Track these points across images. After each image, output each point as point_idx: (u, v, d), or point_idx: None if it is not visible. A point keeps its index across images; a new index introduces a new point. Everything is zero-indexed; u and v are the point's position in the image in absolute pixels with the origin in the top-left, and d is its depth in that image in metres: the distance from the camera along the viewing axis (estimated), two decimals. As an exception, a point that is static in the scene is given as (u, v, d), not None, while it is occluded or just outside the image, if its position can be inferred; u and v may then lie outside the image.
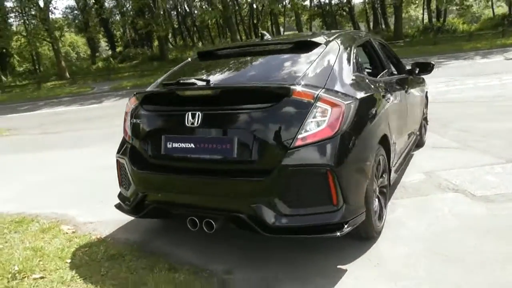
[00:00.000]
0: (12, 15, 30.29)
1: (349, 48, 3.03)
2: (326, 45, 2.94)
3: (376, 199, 2.92)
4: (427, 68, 4.53)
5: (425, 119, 5.44)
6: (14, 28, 32.43)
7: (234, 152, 2.48)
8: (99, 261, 2.90)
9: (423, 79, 5.23)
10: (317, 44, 2.94)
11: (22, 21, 31.69)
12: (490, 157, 4.57)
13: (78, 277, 2.68)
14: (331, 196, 2.37)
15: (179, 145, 2.66)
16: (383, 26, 39.37)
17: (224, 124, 2.54)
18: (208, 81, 2.68)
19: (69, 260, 2.92)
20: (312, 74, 2.61)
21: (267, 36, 3.42)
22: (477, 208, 3.35)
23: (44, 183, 5.08)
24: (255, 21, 41.32)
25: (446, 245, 2.81)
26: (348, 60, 2.91)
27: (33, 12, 28.86)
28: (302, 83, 2.51)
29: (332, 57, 2.82)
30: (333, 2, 42.53)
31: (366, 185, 2.61)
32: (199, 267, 2.75)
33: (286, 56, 2.94)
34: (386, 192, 3.15)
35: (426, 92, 5.38)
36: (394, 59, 4.55)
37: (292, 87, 2.42)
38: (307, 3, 39.91)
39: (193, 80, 2.73)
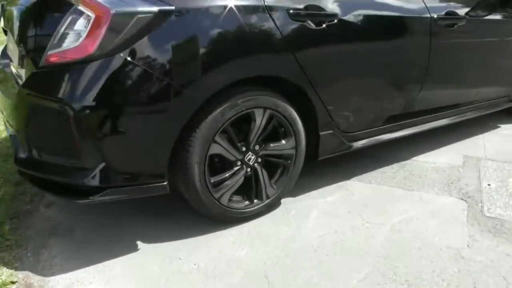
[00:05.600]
0: None
1: None
2: None
3: (242, 171, 1.95)
4: None
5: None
6: None
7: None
8: None
9: None
10: None
11: None
12: None
13: None
14: (76, 148, 1.63)
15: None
16: None
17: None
18: None
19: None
20: None
21: None
22: (454, 229, 1.94)
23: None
24: None
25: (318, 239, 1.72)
26: None
27: None
28: None
29: None
30: None
31: (169, 146, 1.71)
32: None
33: None
34: (290, 164, 2.08)
35: None
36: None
37: None
38: None
39: None
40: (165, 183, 1.75)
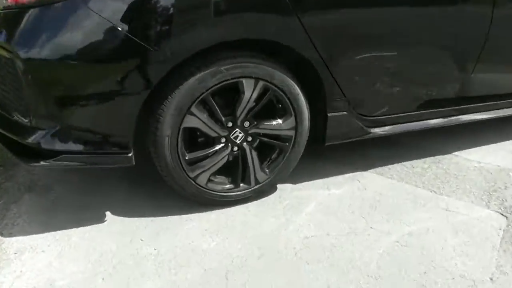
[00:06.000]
0: None
1: None
2: None
3: (226, 150, 1.67)
4: None
5: None
6: None
7: None
8: None
9: None
10: None
11: None
12: None
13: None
14: (24, 102, 1.45)
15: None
16: None
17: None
18: None
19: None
20: None
21: None
22: (479, 254, 1.54)
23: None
24: None
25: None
26: None
27: None
28: None
29: None
30: None
31: (133, 113, 1.47)
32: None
33: None
34: (288, 147, 1.76)
35: None
36: None
37: None
38: None
39: None
40: (129, 155, 1.53)
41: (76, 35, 1.34)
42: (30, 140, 1.47)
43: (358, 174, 2.04)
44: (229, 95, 1.63)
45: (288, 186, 1.93)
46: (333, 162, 2.11)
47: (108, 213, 1.75)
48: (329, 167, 2.08)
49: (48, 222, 1.70)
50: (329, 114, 1.76)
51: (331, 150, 2.09)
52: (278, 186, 1.91)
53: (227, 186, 1.75)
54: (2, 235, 1.63)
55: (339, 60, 1.65)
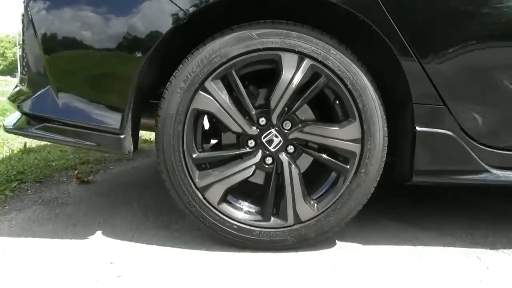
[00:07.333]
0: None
1: None
2: None
3: (253, 158, 1.16)
4: None
5: None
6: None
7: None
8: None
9: None
10: None
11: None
12: None
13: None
14: (25, 62, 1.27)
15: None
16: None
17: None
18: None
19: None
20: None
21: None
22: None
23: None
24: None
25: None
26: None
27: None
28: None
29: None
30: None
31: (128, 83, 1.12)
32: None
33: None
34: (349, 172, 1.15)
35: None
36: None
37: None
38: None
39: None
40: (121, 136, 1.15)
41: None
42: (17, 101, 1.24)
43: (478, 251, 1.25)
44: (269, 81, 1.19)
45: (352, 245, 1.25)
46: (437, 224, 1.35)
47: (92, 237, 1.33)
48: (428, 230, 1.33)
49: (33, 230, 1.36)
50: (418, 128, 1.14)
51: (456, 193, 1.37)
52: (338, 241, 1.26)
53: (251, 216, 1.19)
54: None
55: (429, 38, 1.10)
